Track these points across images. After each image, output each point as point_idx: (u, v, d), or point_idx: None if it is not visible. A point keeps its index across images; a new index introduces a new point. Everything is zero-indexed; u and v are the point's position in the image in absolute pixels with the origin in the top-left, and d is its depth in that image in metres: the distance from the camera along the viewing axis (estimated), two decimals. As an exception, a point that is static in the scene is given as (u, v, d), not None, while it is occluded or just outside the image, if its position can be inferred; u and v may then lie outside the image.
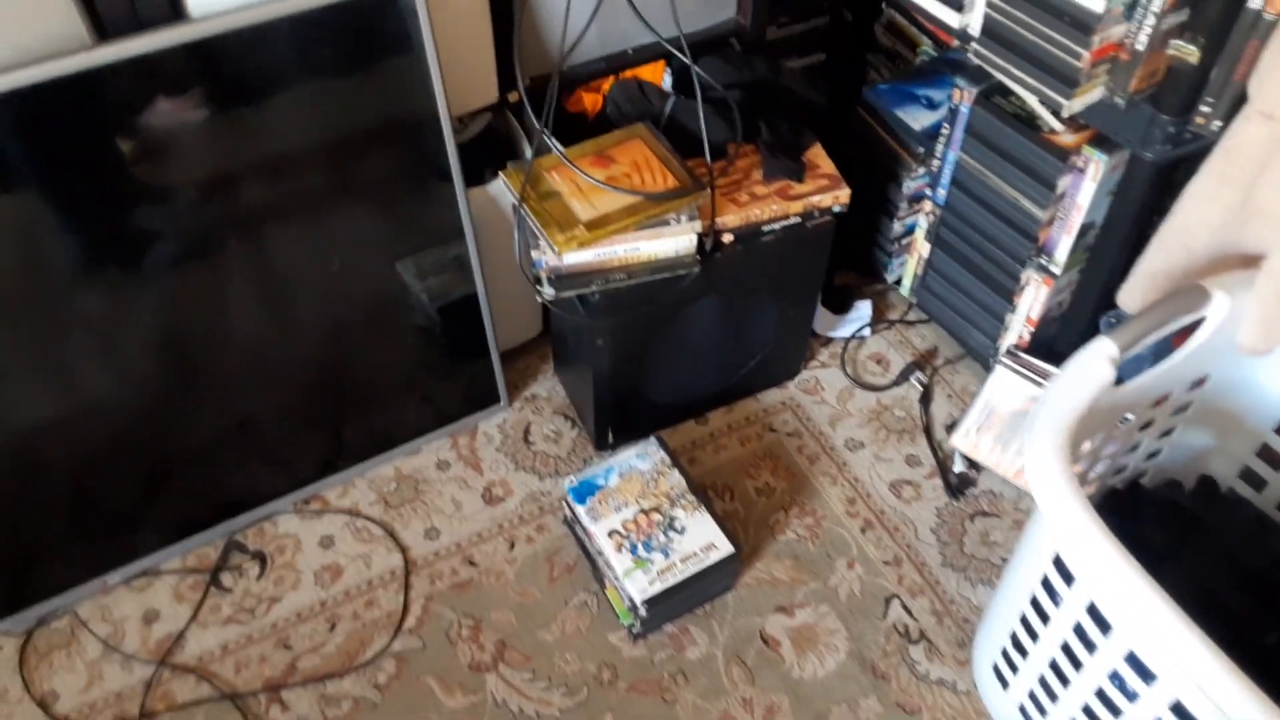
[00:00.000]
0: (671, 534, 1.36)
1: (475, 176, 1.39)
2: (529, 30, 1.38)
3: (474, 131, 1.43)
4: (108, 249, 1.17)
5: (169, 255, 1.20)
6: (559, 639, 1.37)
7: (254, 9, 1.07)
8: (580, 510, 1.38)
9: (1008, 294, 1.52)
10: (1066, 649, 1.07)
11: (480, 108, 1.41)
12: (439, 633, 1.37)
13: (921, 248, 1.65)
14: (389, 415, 1.52)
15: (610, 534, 1.35)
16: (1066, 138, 1.32)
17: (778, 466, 1.58)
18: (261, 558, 1.44)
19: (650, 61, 1.51)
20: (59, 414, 1.25)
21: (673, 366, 1.51)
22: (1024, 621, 1.14)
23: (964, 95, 1.42)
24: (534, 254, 1.29)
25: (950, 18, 1.24)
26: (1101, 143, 1.30)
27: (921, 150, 1.55)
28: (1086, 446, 1.17)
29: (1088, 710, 1.06)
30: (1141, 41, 1.09)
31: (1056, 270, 1.43)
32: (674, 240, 1.30)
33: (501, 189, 1.41)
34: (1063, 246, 1.41)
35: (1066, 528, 0.94)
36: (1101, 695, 1.03)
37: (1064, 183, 1.34)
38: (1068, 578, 1.03)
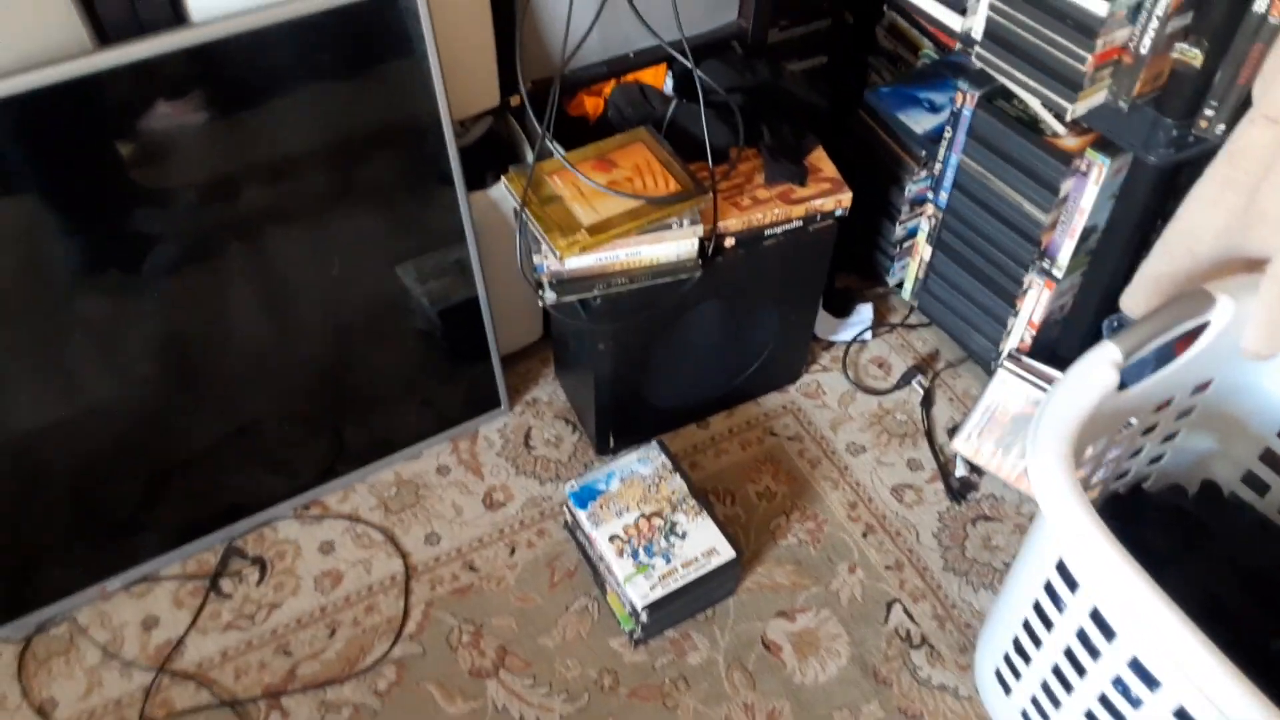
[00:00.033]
0: (673, 539, 1.35)
1: (476, 180, 1.38)
2: (530, 34, 1.37)
3: (475, 135, 1.43)
4: (108, 253, 1.16)
5: (169, 259, 1.19)
6: (560, 645, 1.36)
7: (255, 13, 1.07)
8: (581, 515, 1.38)
9: (1010, 297, 1.51)
10: (1069, 654, 1.06)
11: (481, 111, 1.40)
12: (439, 638, 1.36)
13: (923, 251, 1.64)
14: (389, 419, 1.52)
15: (611, 539, 1.35)
16: (1069, 141, 1.32)
17: (779, 470, 1.57)
18: (261, 563, 1.44)
19: (652, 65, 1.50)
20: (58, 418, 1.24)
21: (674, 370, 1.50)
22: (1027, 627, 1.14)
23: (966, 98, 1.42)
24: (535, 258, 1.28)
25: (953, 21, 1.24)
26: (1104, 146, 1.29)
27: (923, 153, 1.54)
28: (1089, 451, 1.17)
29: (1090, 716, 1.06)
30: (1145, 45, 1.08)
31: (1058, 274, 1.43)
32: (676, 244, 1.30)
33: (502, 193, 1.40)
34: (1065, 250, 1.40)
35: (1070, 533, 0.94)
36: (1105, 701, 1.03)
37: (1067, 186, 1.34)
38: (1071, 583, 1.02)
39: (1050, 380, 1.50)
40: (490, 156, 1.43)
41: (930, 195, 1.58)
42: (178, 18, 1.06)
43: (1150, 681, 0.95)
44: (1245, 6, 1.03)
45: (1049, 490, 0.96)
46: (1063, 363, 1.48)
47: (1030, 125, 1.36)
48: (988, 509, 1.53)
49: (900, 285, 1.75)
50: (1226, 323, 1.11)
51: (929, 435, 1.62)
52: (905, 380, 1.69)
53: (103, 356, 1.23)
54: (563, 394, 1.66)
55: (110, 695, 1.30)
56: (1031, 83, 1.17)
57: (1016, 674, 1.19)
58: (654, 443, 1.46)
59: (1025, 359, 1.52)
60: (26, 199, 1.08)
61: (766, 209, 1.35)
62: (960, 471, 1.56)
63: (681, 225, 1.29)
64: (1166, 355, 1.19)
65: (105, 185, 1.11)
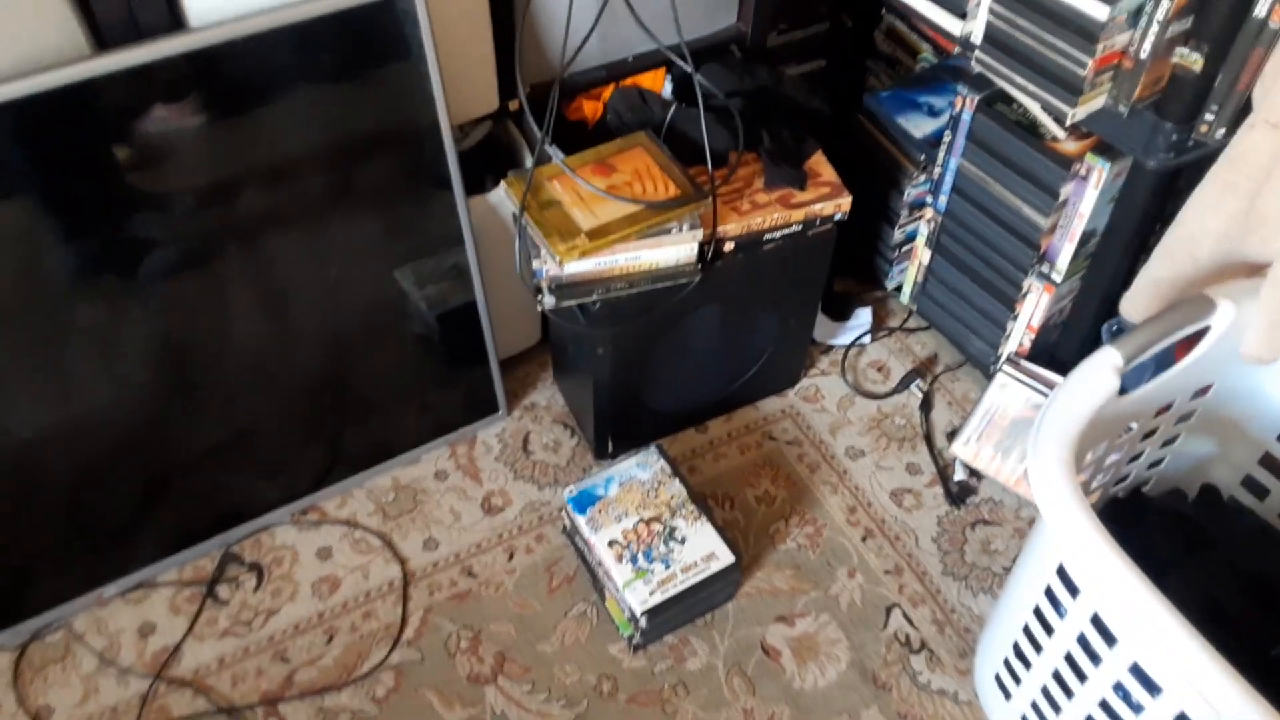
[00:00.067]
0: (672, 544, 1.35)
1: (475, 185, 1.38)
2: (529, 38, 1.37)
3: (474, 140, 1.42)
4: (105, 257, 1.16)
5: (166, 263, 1.19)
6: (558, 650, 1.36)
7: (254, 18, 1.06)
8: (580, 520, 1.37)
9: (1009, 301, 1.51)
10: (1070, 660, 1.06)
11: (480, 116, 1.40)
12: (438, 645, 1.36)
13: (922, 255, 1.64)
14: (387, 424, 1.51)
15: (610, 544, 1.35)
16: (1069, 145, 1.32)
17: (778, 475, 1.57)
18: (258, 569, 1.43)
19: (651, 69, 1.50)
20: (54, 423, 1.23)
21: (673, 375, 1.50)
22: (1027, 632, 1.13)
23: (966, 102, 1.42)
24: (535, 263, 1.28)
25: (953, 25, 1.24)
26: (1104, 150, 1.29)
27: (922, 157, 1.54)
28: (1089, 456, 1.16)
29: (1092, 722, 1.06)
30: (1145, 50, 1.08)
31: (1058, 278, 1.43)
32: (675, 249, 1.30)
33: (501, 197, 1.40)
34: (1064, 254, 1.40)
35: (1072, 539, 0.94)
36: (1105, 706, 1.03)
37: (1066, 190, 1.34)
38: (1072, 589, 1.02)
39: (1049, 384, 1.50)
40: (489, 161, 1.42)
41: (929, 199, 1.58)
42: (176, 22, 1.06)
43: (1152, 687, 0.95)
44: (1246, 11, 1.03)
45: (1050, 496, 0.96)
46: (1062, 366, 1.49)
47: (1030, 129, 1.36)
48: (987, 513, 1.53)
49: (899, 289, 1.75)
50: (1227, 327, 1.11)
51: (928, 439, 1.62)
52: (904, 384, 1.69)
53: (99, 361, 1.22)
54: (561, 398, 1.66)
55: (107, 702, 1.29)
56: (1031, 87, 1.17)
57: (1017, 679, 1.19)
58: (653, 447, 1.46)
59: (1024, 363, 1.52)
60: (22, 203, 1.07)
61: (766, 213, 1.35)
62: (959, 475, 1.56)
63: (681, 230, 1.28)
64: (1166, 360, 1.19)
65: (102, 189, 1.11)
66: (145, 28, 1.04)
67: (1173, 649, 0.87)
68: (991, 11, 1.18)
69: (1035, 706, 1.16)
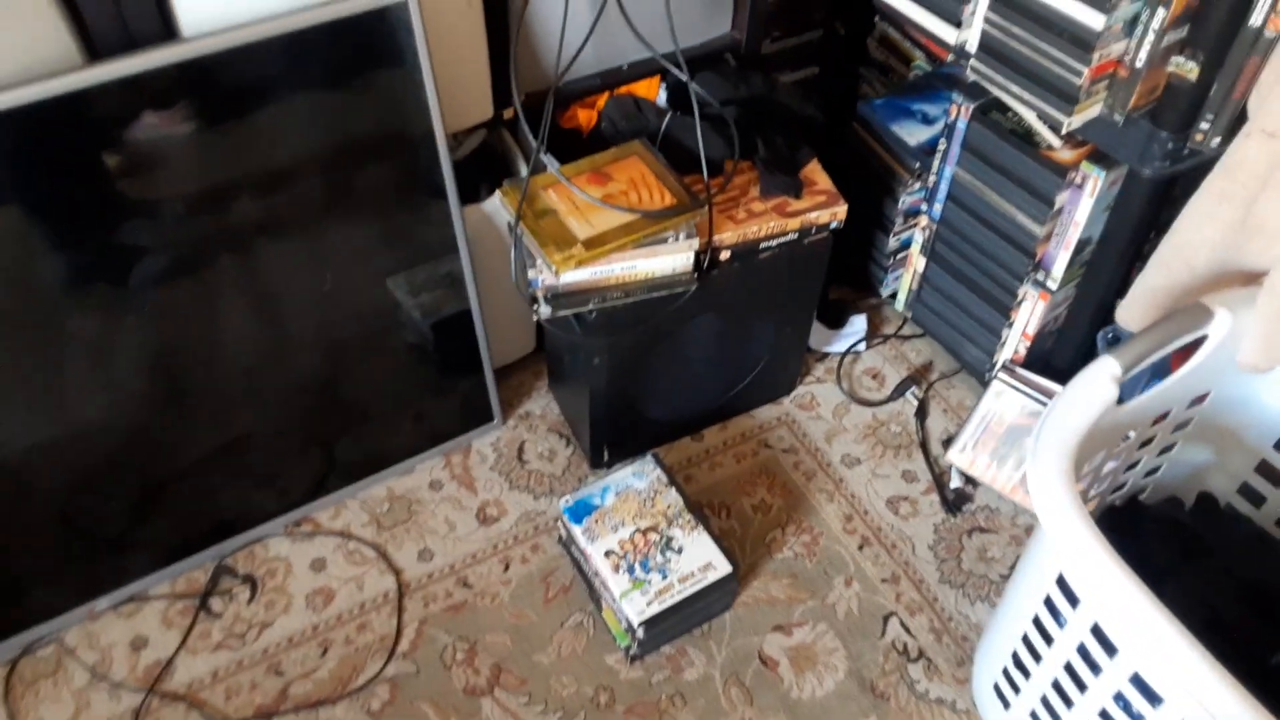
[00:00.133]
0: (669, 554, 1.34)
1: (470, 193, 1.37)
2: (524, 46, 1.37)
3: (469, 148, 1.42)
4: (95, 265, 1.15)
5: (158, 271, 1.18)
6: (555, 661, 1.35)
7: (248, 28, 1.05)
8: (576, 530, 1.37)
9: (1004, 309, 1.51)
10: (1070, 669, 1.06)
11: (475, 124, 1.39)
12: (433, 656, 1.35)
13: (917, 262, 1.64)
14: (381, 434, 1.50)
15: (607, 554, 1.34)
16: (1064, 154, 1.32)
17: (774, 483, 1.57)
18: (252, 581, 1.42)
19: (646, 77, 1.50)
20: (45, 435, 1.22)
21: (669, 384, 1.49)
22: (1026, 641, 1.13)
23: (961, 111, 1.42)
24: (530, 272, 1.27)
25: (947, 34, 1.24)
26: (1099, 159, 1.29)
27: (917, 165, 1.54)
28: (1087, 465, 1.16)
29: (1092, 731, 1.06)
30: (1141, 58, 1.09)
31: (1053, 285, 1.43)
32: (671, 258, 1.29)
33: (495, 206, 1.39)
34: (1059, 262, 1.40)
35: (1072, 549, 0.93)
36: (1105, 716, 1.03)
37: (1061, 198, 1.34)
38: (1072, 598, 1.02)
39: (1045, 391, 1.50)
40: (483, 169, 1.42)
41: (924, 207, 1.58)
42: (168, 32, 1.05)
43: (1152, 697, 0.95)
44: (1241, 20, 1.04)
45: (1050, 506, 0.95)
46: (1057, 374, 1.49)
47: (1025, 138, 1.36)
48: (983, 520, 1.53)
49: (894, 296, 1.75)
50: (1224, 336, 1.11)
51: (924, 447, 1.62)
52: (899, 391, 1.69)
53: (91, 370, 1.21)
54: (556, 407, 1.65)
55: (98, 717, 1.28)
56: (1027, 96, 1.17)
57: (1016, 688, 1.19)
58: (649, 456, 1.45)
59: (1020, 370, 1.52)
60: (13, 211, 1.06)
61: (762, 222, 1.34)
62: (955, 483, 1.56)
63: (677, 239, 1.28)
64: (1162, 368, 1.20)
65: (93, 197, 1.10)
66: (138, 37, 1.03)
67: (1173, 659, 0.87)
68: (987, 20, 1.18)
69: (1035, 716, 1.16)
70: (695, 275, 1.32)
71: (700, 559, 1.34)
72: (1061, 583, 1.03)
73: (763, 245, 1.37)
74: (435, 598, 1.41)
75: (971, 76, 1.24)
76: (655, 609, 1.29)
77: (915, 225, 1.63)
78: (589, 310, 1.31)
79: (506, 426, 1.62)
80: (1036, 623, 1.10)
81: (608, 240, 1.24)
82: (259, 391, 1.35)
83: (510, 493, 1.54)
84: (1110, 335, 1.40)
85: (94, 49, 1.02)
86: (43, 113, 1.00)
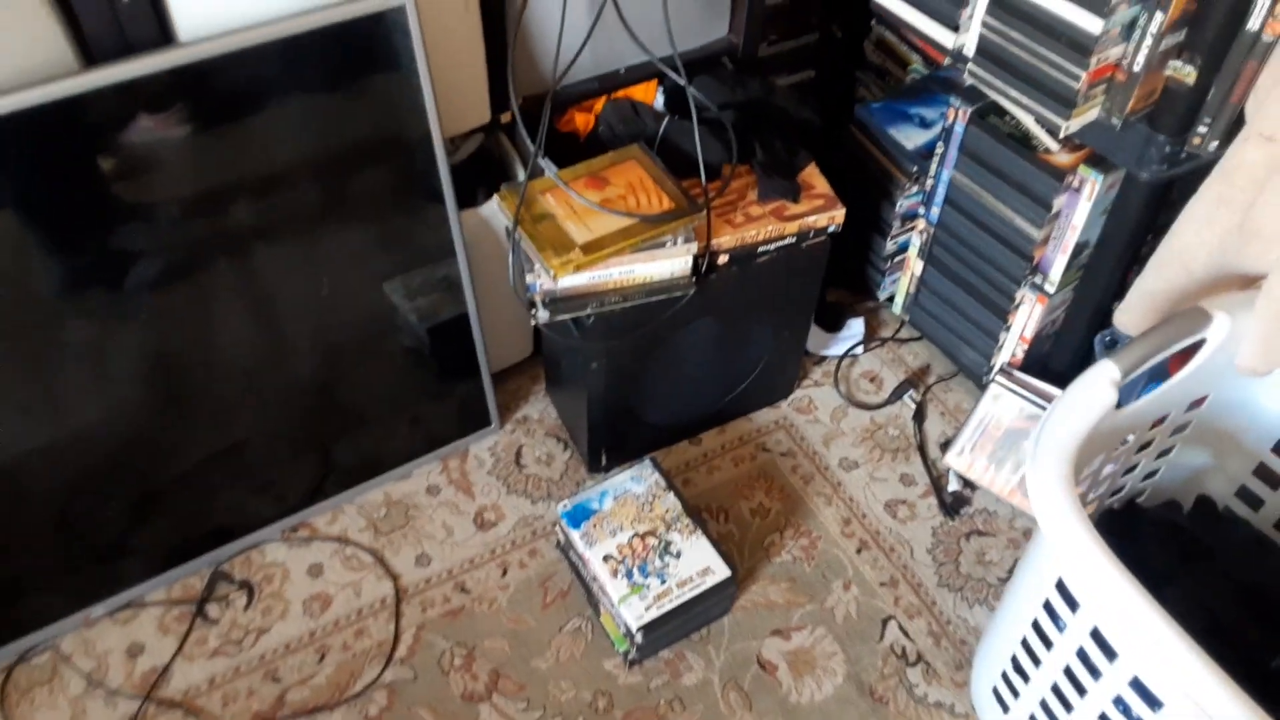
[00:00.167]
0: (667, 558, 1.34)
1: (467, 198, 1.37)
2: (521, 50, 1.36)
3: (466, 152, 1.42)
4: (92, 270, 1.14)
5: (154, 276, 1.17)
6: (553, 667, 1.35)
7: (244, 32, 1.05)
8: (574, 535, 1.36)
9: (1002, 312, 1.51)
10: (1069, 673, 1.06)
11: (473, 128, 1.39)
12: (431, 662, 1.35)
13: (914, 266, 1.64)
14: (378, 439, 1.50)
15: (605, 559, 1.34)
16: (1062, 157, 1.32)
17: (772, 487, 1.56)
18: (248, 587, 1.41)
19: (643, 81, 1.50)
20: (40, 440, 1.22)
21: (667, 388, 1.49)
22: (1025, 645, 1.13)
23: (958, 114, 1.42)
24: (529, 277, 1.27)
25: (945, 37, 1.24)
26: (1097, 162, 1.30)
27: (914, 169, 1.54)
28: (1086, 469, 1.16)
29: (1092, 735, 1.06)
30: (1139, 62, 1.09)
31: (1051, 289, 1.43)
32: (669, 262, 1.29)
33: (493, 210, 1.39)
34: (1057, 265, 1.40)
35: (1072, 554, 0.93)
36: (1106, 720, 1.03)
37: (1059, 202, 1.34)
38: (1072, 603, 1.02)
39: (1043, 395, 1.50)
40: (481, 173, 1.42)
41: (921, 210, 1.58)
42: (165, 37, 1.04)
43: (1152, 701, 0.95)
44: (1239, 24, 1.04)
45: (1050, 511, 0.95)
46: (1055, 377, 1.49)
47: (1023, 141, 1.36)
48: (981, 524, 1.53)
49: (891, 299, 1.75)
50: (1222, 339, 1.11)
51: (921, 450, 1.62)
52: (897, 395, 1.69)
53: (85, 375, 1.20)
54: (554, 411, 1.65)
55: (95, 725, 1.28)
56: (1025, 100, 1.17)
57: (1015, 692, 1.18)
58: (647, 460, 1.45)
59: (1017, 373, 1.52)
60: (7, 215, 1.05)
61: (760, 226, 1.34)
62: (953, 486, 1.56)
63: (675, 243, 1.28)
64: (1159, 372, 1.19)
65: (88, 201, 1.09)
66: (134, 42, 1.03)
67: (1173, 663, 0.87)
68: (984, 24, 1.18)
69: (1034, 720, 1.16)
70: (693, 279, 1.32)
71: (699, 563, 1.34)
72: (1061, 587, 1.03)
73: (761, 249, 1.37)
74: (433, 603, 1.41)
75: (969, 80, 1.24)
76: (654, 613, 1.29)
77: (913, 228, 1.63)
78: (587, 315, 1.30)
79: (504, 431, 1.62)
80: (1036, 626, 1.10)
81: (606, 245, 1.24)
82: (255, 396, 1.34)
83: (508, 497, 1.54)
84: (1108, 338, 1.40)
85: (90, 54, 1.02)
86: (39, 118, 0.99)
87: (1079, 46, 1.08)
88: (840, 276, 1.78)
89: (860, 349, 1.75)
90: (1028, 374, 1.52)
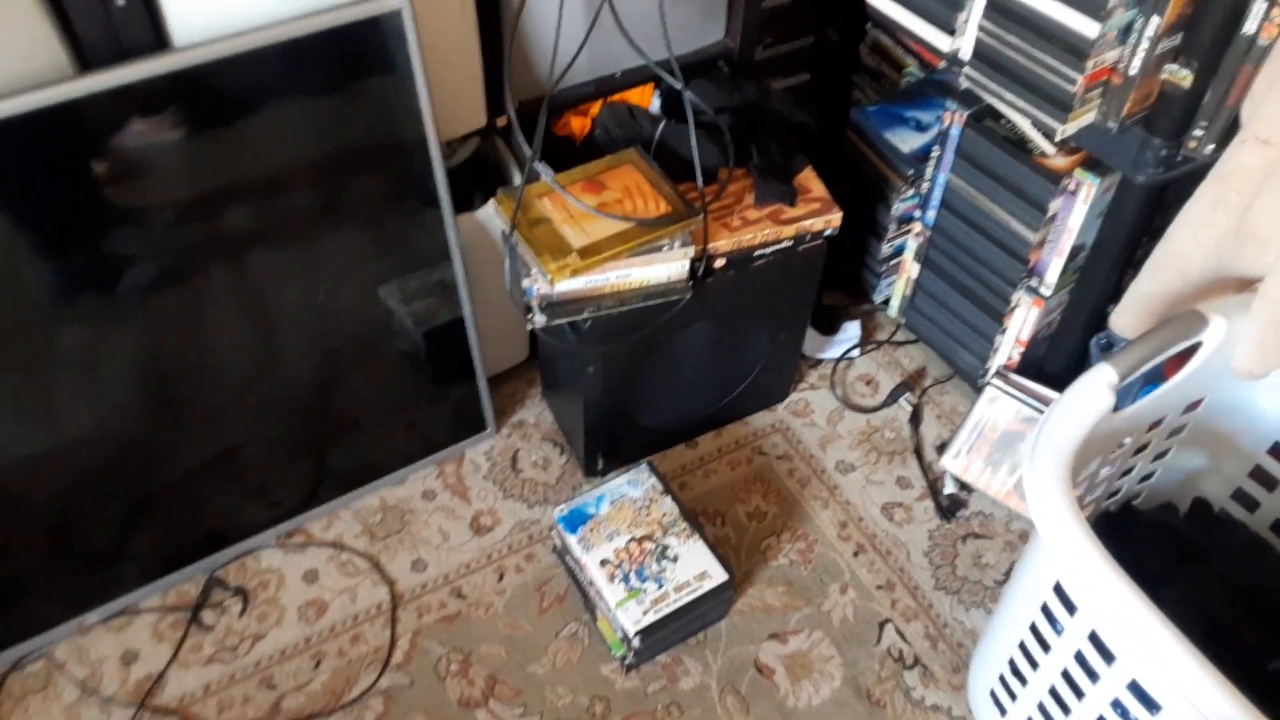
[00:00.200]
0: (664, 562, 1.34)
1: (463, 201, 1.37)
2: (518, 54, 1.36)
3: (462, 156, 1.41)
4: (85, 275, 1.13)
5: (148, 281, 1.17)
6: (550, 672, 1.34)
7: (240, 37, 1.05)
8: (571, 540, 1.36)
9: (997, 315, 1.52)
10: (1067, 676, 1.06)
11: (469, 132, 1.39)
12: (427, 668, 1.34)
13: (910, 269, 1.64)
14: (373, 444, 1.49)
15: (602, 563, 1.33)
16: (1058, 161, 1.32)
17: (769, 490, 1.56)
18: (243, 594, 1.41)
19: (639, 85, 1.49)
20: (33, 446, 1.21)
21: (663, 391, 1.49)
22: (1022, 648, 1.13)
23: (954, 118, 1.42)
24: (525, 281, 1.27)
25: (941, 41, 1.24)
26: (1093, 165, 1.30)
27: (910, 172, 1.54)
28: (1084, 472, 1.16)
29: (1090, 738, 1.06)
30: (1135, 66, 1.09)
31: (1047, 292, 1.43)
32: (667, 266, 1.29)
33: (489, 214, 1.39)
34: (1053, 268, 1.41)
35: (1070, 558, 0.93)
36: (1104, 723, 1.03)
37: (1055, 205, 1.34)
38: (1069, 606, 1.02)
39: (1038, 397, 1.50)
40: (477, 177, 1.41)
41: (918, 213, 1.58)
42: (160, 42, 1.04)
43: (1150, 705, 0.95)
44: (1234, 28, 1.04)
45: (1048, 514, 0.95)
46: (1051, 380, 1.49)
47: (1019, 145, 1.36)
48: (977, 526, 1.53)
49: (886, 302, 1.75)
50: (1219, 342, 1.11)
51: (918, 453, 1.62)
52: (893, 398, 1.69)
53: (79, 380, 1.19)
54: (550, 415, 1.64)
55: (89, 733, 1.27)
56: (1021, 103, 1.18)
57: (1012, 695, 1.18)
58: (643, 464, 1.45)
59: (1013, 376, 1.53)
60: (1, 221, 1.05)
61: (756, 229, 1.34)
62: (949, 489, 1.56)
63: (672, 247, 1.27)
64: (1155, 375, 1.20)
65: (83, 206, 1.08)
66: (129, 47, 1.02)
67: (1172, 666, 0.87)
68: (981, 28, 1.18)
69: (1032, 723, 1.16)
70: (690, 283, 1.32)
71: (696, 567, 1.33)
72: (1059, 590, 1.03)
73: (757, 253, 1.37)
74: (429, 608, 1.40)
75: (965, 84, 1.24)
76: (651, 618, 1.28)
77: (908, 232, 1.63)
78: (584, 319, 1.30)
79: (500, 435, 1.62)
80: (1033, 630, 1.10)
81: (603, 249, 1.23)
82: (250, 401, 1.34)
83: (504, 502, 1.53)
84: (1104, 341, 1.40)
85: (85, 59, 1.01)
86: (33, 123, 0.99)
87: (1075, 50, 1.08)
88: (836, 279, 1.78)
89: (856, 352, 1.75)
90: (1023, 377, 1.52)
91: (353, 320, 1.36)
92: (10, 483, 1.21)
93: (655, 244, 1.26)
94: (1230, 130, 1.10)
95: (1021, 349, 1.52)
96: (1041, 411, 1.48)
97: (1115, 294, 1.33)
